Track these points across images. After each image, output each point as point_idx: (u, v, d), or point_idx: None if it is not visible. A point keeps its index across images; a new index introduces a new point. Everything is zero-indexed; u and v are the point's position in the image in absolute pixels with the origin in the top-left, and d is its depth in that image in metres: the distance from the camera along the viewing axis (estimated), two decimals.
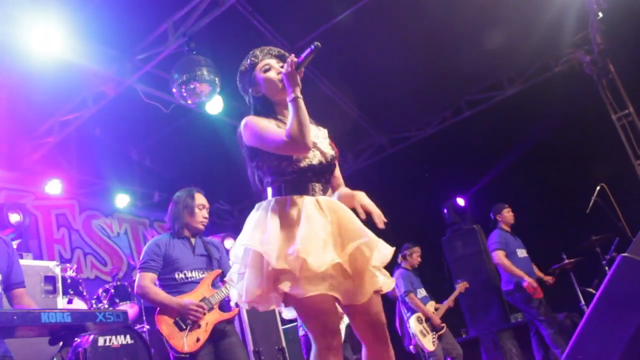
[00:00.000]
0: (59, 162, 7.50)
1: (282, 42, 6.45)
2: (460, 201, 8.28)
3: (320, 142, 2.51)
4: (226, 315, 3.69)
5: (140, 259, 3.74)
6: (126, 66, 5.93)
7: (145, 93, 6.28)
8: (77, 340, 4.62)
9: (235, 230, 9.49)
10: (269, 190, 2.42)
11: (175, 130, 7.53)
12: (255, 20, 6.10)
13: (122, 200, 8.22)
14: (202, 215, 3.86)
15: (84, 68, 5.79)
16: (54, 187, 7.28)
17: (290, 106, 2.30)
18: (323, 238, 2.22)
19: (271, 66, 2.49)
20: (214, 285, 3.76)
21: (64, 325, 2.41)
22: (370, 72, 7.28)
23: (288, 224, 2.27)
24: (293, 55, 2.37)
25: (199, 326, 3.53)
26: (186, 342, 3.44)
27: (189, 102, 5.67)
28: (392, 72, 7.35)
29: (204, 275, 3.75)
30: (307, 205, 2.30)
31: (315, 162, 2.41)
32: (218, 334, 3.62)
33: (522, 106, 7.72)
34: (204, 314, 3.55)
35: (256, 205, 2.42)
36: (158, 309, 3.59)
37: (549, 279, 6.36)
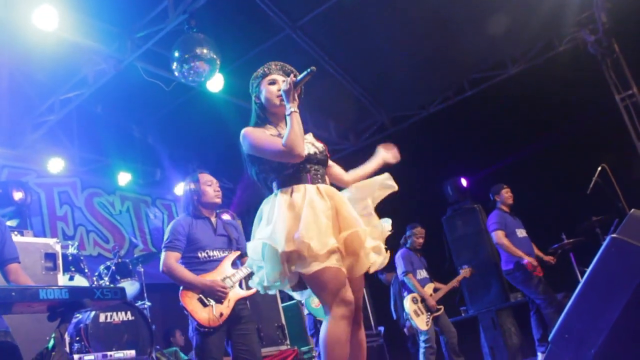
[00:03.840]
0: (61, 140, 7.53)
1: (284, 19, 6.39)
2: (463, 181, 8.26)
3: (309, 139, 2.83)
4: (246, 293, 3.82)
5: (165, 238, 3.85)
6: (126, 44, 5.90)
7: (146, 71, 6.26)
8: (78, 316, 4.68)
9: (237, 207, 9.53)
10: (274, 184, 2.71)
11: (176, 108, 7.53)
12: None
13: (124, 178, 8.24)
14: (212, 190, 3.98)
15: (84, 46, 5.78)
16: (56, 165, 7.30)
17: (287, 119, 2.63)
18: (325, 222, 2.50)
19: (276, 81, 2.81)
20: (234, 264, 3.91)
21: (62, 301, 2.42)
22: (372, 51, 7.22)
23: (294, 209, 2.54)
24: (293, 75, 2.71)
25: (221, 303, 3.69)
26: (210, 317, 3.60)
27: (190, 79, 5.66)
28: (394, 51, 7.30)
29: (224, 255, 3.90)
30: (310, 191, 2.59)
31: (311, 152, 2.72)
32: (236, 315, 3.74)
33: (525, 86, 7.65)
34: (227, 293, 3.70)
35: (264, 201, 2.71)
36: (182, 286, 3.73)
37: (550, 258, 6.36)
